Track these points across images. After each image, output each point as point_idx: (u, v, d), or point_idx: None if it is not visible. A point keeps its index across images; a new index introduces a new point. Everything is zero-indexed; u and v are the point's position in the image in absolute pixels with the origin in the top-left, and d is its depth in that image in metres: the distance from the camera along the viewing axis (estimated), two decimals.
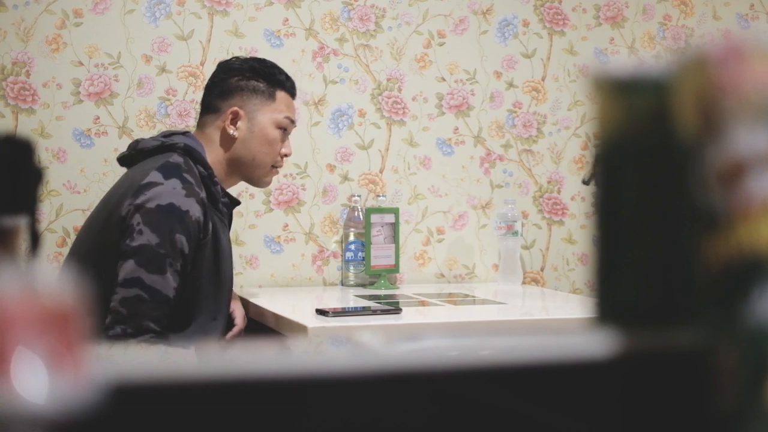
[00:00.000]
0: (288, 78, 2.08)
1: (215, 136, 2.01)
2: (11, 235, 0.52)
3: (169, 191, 1.81)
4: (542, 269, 2.94)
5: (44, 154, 2.51)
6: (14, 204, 0.52)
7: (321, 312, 1.97)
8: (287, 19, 2.74)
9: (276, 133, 2.02)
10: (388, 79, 2.82)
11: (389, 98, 2.82)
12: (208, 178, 1.90)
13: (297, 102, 2.74)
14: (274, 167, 2.05)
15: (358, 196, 2.74)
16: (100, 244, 1.84)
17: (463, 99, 2.88)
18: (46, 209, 2.53)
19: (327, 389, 0.50)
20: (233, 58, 2.13)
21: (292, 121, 2.07)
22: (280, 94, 2.04)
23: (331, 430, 0.50)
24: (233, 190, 2.24)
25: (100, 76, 2.58)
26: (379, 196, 2.77)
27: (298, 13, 2.75)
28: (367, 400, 0.50)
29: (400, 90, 2.83)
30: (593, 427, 0.54)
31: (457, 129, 2.86)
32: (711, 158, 0.49)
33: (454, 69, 2.88)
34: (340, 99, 2.78)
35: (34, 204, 0.54)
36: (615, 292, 0.58)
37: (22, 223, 0.53)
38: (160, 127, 2.58)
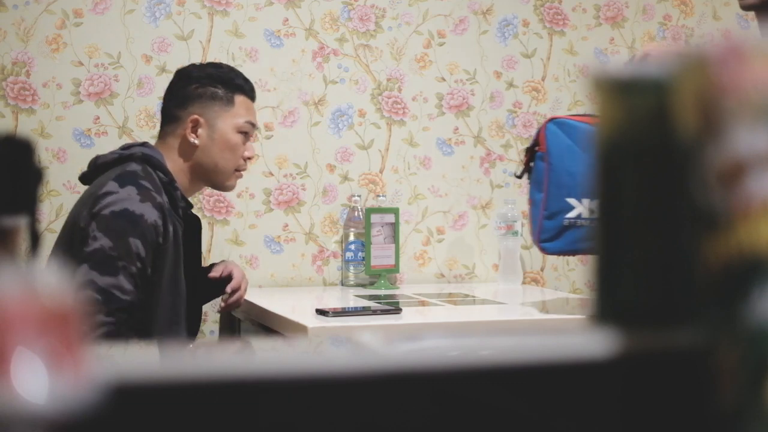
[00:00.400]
0: (246, 81, 2.08)
1: (176, 144, 2.01)
2: (11, 235, 0.52)
3: (123, 198, 1.82)
4: (542, 269, 2.94)
5: (44, 154, 2.51)
6: (14, 204, 0.52)
7: (321, 312, 1.97)
8: (287, 19, 2.74)
9: (237, 138, 2.02)
10: (388, 79, 2.82)
11: (389, 98, 2.82)
12: (168, 184, 1.91)
13: (297, 101, 2.75)
14: (238, 171, 2.05)
15: (358, 196, 2.74)
16: (66, 259, 1.85)
17: (463, 99, 2.88)
18: (46, 209, 2.53)
19: (327, 389, 0.50)
20: (190, 65, 2.12)
21: (253, 125, 2.07)
22: (239, 99, 2.04)
23: (331, 430, 0.50)
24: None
25: (100, 76, 2.58)
26: (379, 196, 2.77)
27: (298, 13, 2.75)
28: (367, 400, 0.50)
29: (400, 90, 2.83)
30: (593, 427, 0.54)
31: (457, 129, 2.86)
32: (711, 158, 0.49)
33: (454, 69, 2.88)
34: (340, 99, 2.78)
35: (34, 204, 0.54)
36: (615, 292, 0.58)
37: (22, 223, 0.53)
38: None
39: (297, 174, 2.74)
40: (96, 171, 1.97)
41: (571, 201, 1.84)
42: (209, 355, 0.56)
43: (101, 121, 2.58)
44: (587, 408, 0.54)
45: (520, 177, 2.00)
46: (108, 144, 2.58)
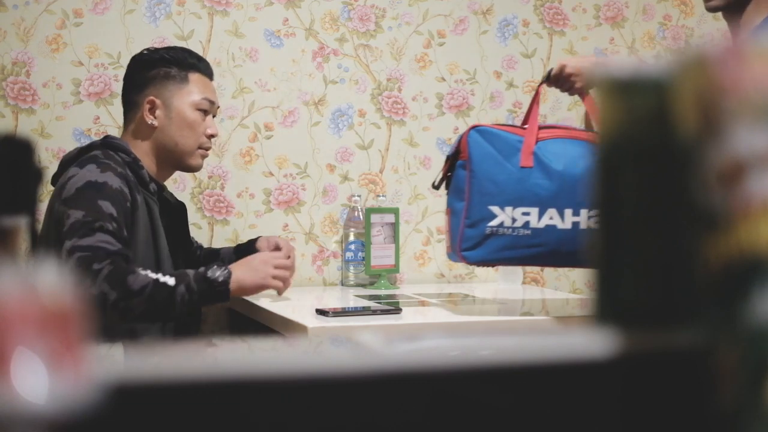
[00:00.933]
0: (200, 59, 2.10)
1: (137, 129, 2.04)
2: (11, 235, 0.52)
3: (83, 174, 1.85)
4: (542, 269, 2.94)
5: (44, 154, 2.51)
6: (14, 204, 0.52)
7: (321, 312, 1.97)
8: (287, 19, 2.74)
9: (195, 115, 2.03)
10: (388, 79, 2.82)
11: (389, 98, 2.82)
12: (132, 163, 1.94)
13: (297, 102, 2.75)
14: (201, 148, 2.06)
15: (358, 196, 2.74)
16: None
17: (463, 99, 2.88)
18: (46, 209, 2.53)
19: (327, 389, 0.50)
20: (144, 50, 2.13)
21: (211, 102, 2.07)
22: (194, 76, 2.05)
23: (331, 430, 0.50)
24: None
25: (100, 76, 2.58)
26: (379, 196, 2.77)
27: (298, 13, 2.75)
28: (367, 400, 0.50)
29: (400, 90, 2.83)
30: (593, 427, 0.54)
31: (457, 129, 2.86)
32: (711, 158, 0.49)
33: (454, 69, 2.88)
34: (340, 99, 2.78)
35: (34, 204, 0.54)
36: (615, 292, 0.58)
37: (22, 223, 0.53)
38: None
39: (297, 174, 2.74)
40: (62, 168, 2.00)
41: (494, 209, 1.84)
42: (209, 355, 0.56)
43: (101, 121, 2.58)
44: (587, 408, 0.54)
45: (437, 187, 1.99)
46: None
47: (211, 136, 2.07)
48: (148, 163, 2.01)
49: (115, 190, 1.84)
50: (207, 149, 2.08)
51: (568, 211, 1.82)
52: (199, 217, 2.62)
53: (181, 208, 2.13)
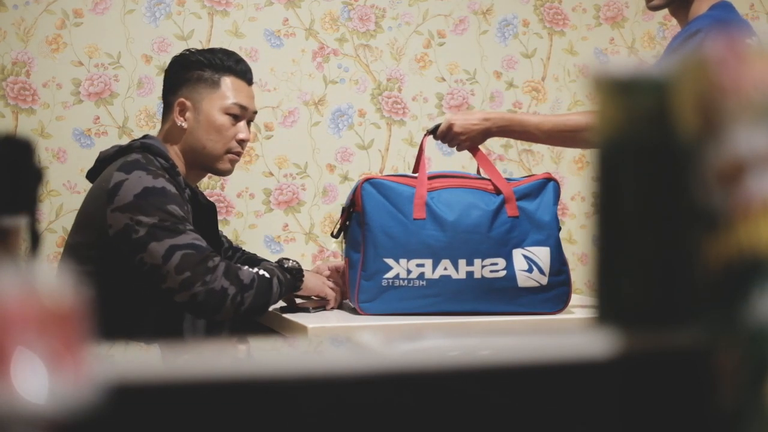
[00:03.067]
0: (239, 62, 2.05)
1: (169, 130, 2.03)
2: (11, 235, 0.52)
3: (136, 180, 1.83)
4: None
5: (44, 154, 2.51)
6: (14, 204, 0.52)
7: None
8: (287, 19, 2.74)
9: (223, 120, 2.00)
10: (388, 79, 2.82)
11: (389, 98, 2.82)
12: (170, 170, 1.92)
13: (297, 102, 2.75)
14: (230, 153, 2.03)
15: None
16: (85, 259, 1.86)
17: (463, 99, 2.88)
18: (46, 209, 2.53)
19: (327, 389, 0.50)
20: (185, 50, 2.10)
21: (243, 107, 2.03)
22: (227, 80, 2.02)
23: (331, 430, 0.50)
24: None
25: (100, 76, 2.58)
26: None
27: (298, 13, 2.75)
28: (367, 400, 0.50)
29: (400, 90, 2.83)
30: (594, 427, 0.54)
31: None
32: (711, 158, 0.49)
33: (454, 69, 2.88)
34: (340, 99, 2.78)
35: (34, 204, 0.54)
36: (615, 291, 0.57)
37: (22, 223, 0.53)
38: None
39: (297, 174, 2.74)
40: (99, 166, 1.98)
41: (389, 261, 1.86)
42: (209, 355, 0.56)
43: (101, 121, 2.58)
44: (587, 408, 0.54)
45: (336, 237, 2.00)
46: (108, 144, 2.58)
47: (242, 141, 2.04)
48: (180, 165, 1.99)
49: (175, 194, 1.85)
50: (237, 154, 2.05)
51: (461, 261, 1.85)
52: None
53: (211, 208, 2.12)
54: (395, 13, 2.83)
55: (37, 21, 2.53)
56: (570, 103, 2.96)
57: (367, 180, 1.92)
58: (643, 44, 3.04)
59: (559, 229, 1.95)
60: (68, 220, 2.54)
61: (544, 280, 1.88)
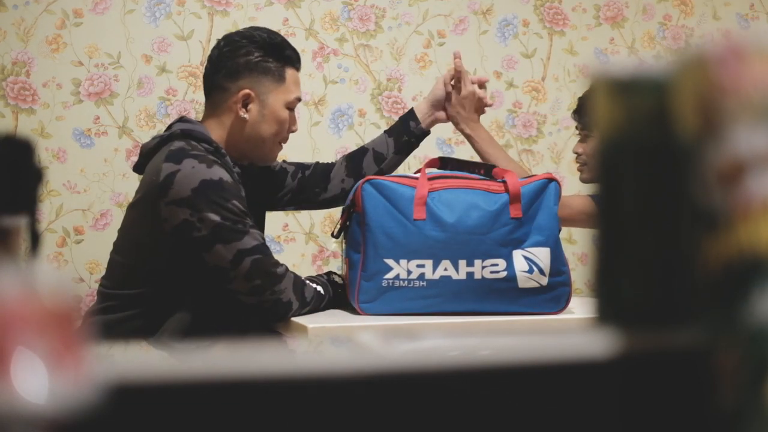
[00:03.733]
0: (294, 51, 1.99)
1: (225, 117, 1.94)
2: (11, 235, 0.52)
3: (189, 172, 1.77)
4: None
5: (44, 154, 2.51)
6: (14, 204, 0.52)
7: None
8: (287, 19, 2.74)
9: (286, 114, 1.97)
10: (388, 79, 2.82)
11: (389, 98, 2.82)
12: (215, 153, 1.86)
13: None
14: (281, 143, 2.01)
15: None
16: (142, 257, 1.83)
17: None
18: (46, 209, 2.53)
19: (327, 389, 0.50)
20: (238, 32, 2.01)
21: (300, 99, 2.02)
22: (289, 73, 1.97)
23: (331, 430, 0.50)
24: None
25: (100, 76, 2.58)
26: None
27: (298, 13, 2.75)
28: (367, 400, 0.50)
29: (400, 90, 2.83)
30: (594, 427, 0.54)
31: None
32: (711, 158, 0.49)
33: None
34: (340, 99, 2.78)
35: (34, 204, 0.54)
36: (615, 291, 0.58)
37: (22, 223, 0.53)
38: (160, 127, 2.58)
39: None
40: (143, 159, 1.92)
41: (389, 262, 1.86)
42: (209, 355, 0.56)
43: (101, 121, 2.58)
44: (588, 408, 0.54)
45: (336, 237, 2.00)
46: (108, 144, 2.58)
47: (293, 131, 2.02)
48: (227, 149, 1.93)
49: (232, 184, 1.80)
50: (285, 142, 2.03)
51: (462, 262, 1.86)
52: None
53: (259, 172, 2.09)
54: (395, 13, 2.83)
55: (37, 21, 2.53)
56: (570, 103, 2.96)
57: (368, 180, 1.93)
58: (643, 44, 3.04)
59: (559, 229, 1.95)
60: (68, 220, 2.54)
61: (545, 281, 1.88)
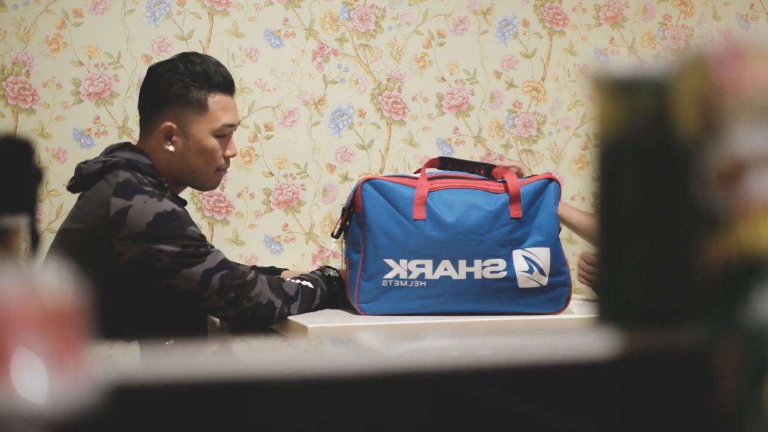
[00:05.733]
0: (223, 76, 1.94)
1: (153, 148, 1.92)
2: (11, 235, 0.52)
3: (141, 207, 1.77)
4: None
5: (44, 154, 2.51)
6: (14, 204, 0.52)
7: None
8: (287, 19, 2.74)
9: (213, 142, 1.92)
10: (388, 79, 2.82)
11: (389, 98, 2.82)
12: (158, 187, 1.85)
13: (297, 102, 2.75)
14: (219, 170, 1.97)
15: None
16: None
17: (463, 99, 2.88)
18: (46, 209, 2.53)
19: (327, 389, 0.50)
20: (160, 62, 1.98)
21: (231, 125, 1.96)
22: (214, 99, 1.92)
23: (331, 430, 0.50)
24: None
25: (100, 76, 2.59)
26: None
27: (298, 13, 2.75)
28: (367, 400, 0.50)
29: (400, 90, 2.83)
30: (593, 427, 0.54)
31: (457, 129, 2.86)
32: (711, 158, 0.49)
33: (454, 69, 2.88)
34: (340, 99, 2.78)
35: (34, 204, 0.54)
36: (615, 291, 0.57)
37: (22, 223, 0.53)
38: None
39: (297, 174, 2.74)
40: (83, 182, 1.89)
41: (389, 262, 1.86)
42: (209, 356, 0.56)
43: (101, 121, 2.58)
44: (588, 408, 0.54)
45: (336, 237, 2.00)
46: (108, 144, 2.57)
47: (231, 156, 1.98)
48: (166, 180, 1.92)
49: (184, 213, 1.82)
50: (224, 170, 1.99)
51: (462, 262, 1.85)
52: (199, 217, 2.62)
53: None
54: (395, 13, 2.83)
55: (37, 21, 2.53)
56: (570, 103, 2.96)
57: (368, 180, 1.92)
58: (643, 44, 3.04)
59: (560, 229, 1.95)
60: None
61: (545, 281, 1.88)
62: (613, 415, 0.54)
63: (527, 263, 1.88)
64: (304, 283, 1.91)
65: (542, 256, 1.89)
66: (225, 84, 1.95)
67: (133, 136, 2.57)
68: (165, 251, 1.76)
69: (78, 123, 2.56)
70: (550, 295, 1.90)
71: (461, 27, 2.88)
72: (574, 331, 0.56)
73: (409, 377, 0.51)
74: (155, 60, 2.62)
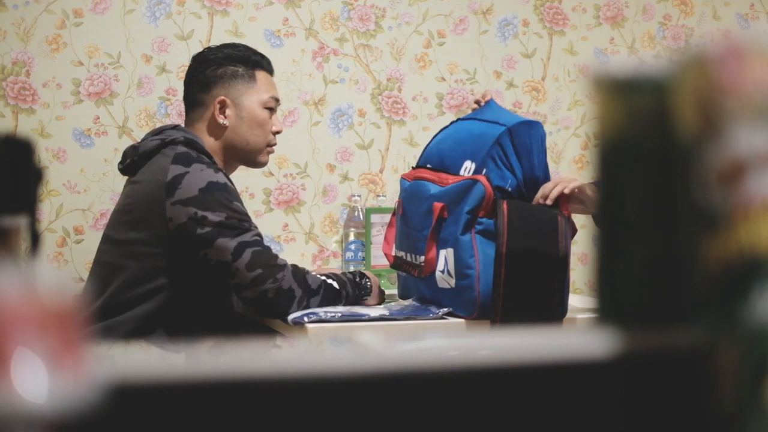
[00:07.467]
0: (263, 57, 2.10)
1: (205, 128, 2.03)
2: (11, 235, 0.52)
3: (198, 174, 1.85)
4: None
5: (44, 154, 2.51)
6: (14, 204, 0.52)
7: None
8: (287, 19, 2.74)
9: (264, 114, 2.05)
10: (388, 79, 2.82)
11: (389, 98, 2.82)
12: (213, 165, 1.94)
13: (297, 101, 2.75)
14: (269, 146, 2.08)
15: (358, 196, 2.74)
16: (144, 256, 1.86)
17: (463, 99, 2.88)
18: (46, 209, 2.53)
19: (327, 389, 0.50)
20: (205, 49, 2.13)
21: (277, 99, 2.09)
22: (260, 75, 2.06)
23: (331, 430, 0.50)
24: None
25: (100, 76, 2.58)
26: (379, 196, 2.77)
27: (298, 13, 2.75)
28: (367, 400, 0.50)
29: (400, 90, 2.83)
30: (593, 427, 0.54)
31: None
32: (711, 158, 0.49)
33: (454, 69, 2.88)
34: (340, 99, 2.78)
35: (34, 204, 0.54)
36: (615, 291, 0.57)
37: (22, 223, 0.53)
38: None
39: (297, 174, 2.74)
40: (140, 160, 1.96)
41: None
42: (209, 356, 0.56)
43: (101, 121, 2.58)
44: (588, 407, 0.54)
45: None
46: (108, 144, 2.58)
47: (277, 132, 2.09)
48: (217, 161, 2.01)
49: (235, 190, 1.89)
50: (274, 146, 2.10)
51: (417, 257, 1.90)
52: None
53: None
54: (395, 13, 2.83)
55: (37, 21, 2.53)
56: (570, 103, 2.96)
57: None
58: (643, 44, 3.04)
59: (473, 229, 1.82)
60: (68, 220, 2.54)
61: (453, 282, 1.83)
62: (614, 415, 0.54)
63: (444, 263, 1.84)
64: (330, 281, 1.92)
65: (449, 256, 1.84)
66: (266, 63, 2.10)
67: (133, 136, 2.57)
68: (209, 218, 1.81)
69: (78, 123, 2.56)
70: (461, 299, 1.82)
71: (461, 27, 2.88)
72: (574, 331, 0.56)
73: (409, 377, 0.51)
74: (155, 60, 2.62)
